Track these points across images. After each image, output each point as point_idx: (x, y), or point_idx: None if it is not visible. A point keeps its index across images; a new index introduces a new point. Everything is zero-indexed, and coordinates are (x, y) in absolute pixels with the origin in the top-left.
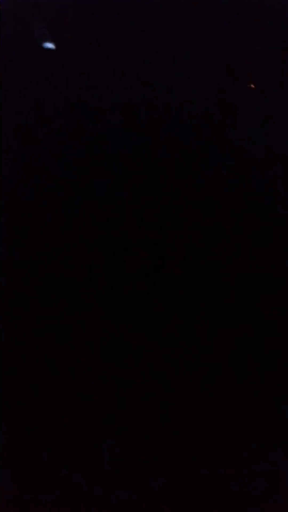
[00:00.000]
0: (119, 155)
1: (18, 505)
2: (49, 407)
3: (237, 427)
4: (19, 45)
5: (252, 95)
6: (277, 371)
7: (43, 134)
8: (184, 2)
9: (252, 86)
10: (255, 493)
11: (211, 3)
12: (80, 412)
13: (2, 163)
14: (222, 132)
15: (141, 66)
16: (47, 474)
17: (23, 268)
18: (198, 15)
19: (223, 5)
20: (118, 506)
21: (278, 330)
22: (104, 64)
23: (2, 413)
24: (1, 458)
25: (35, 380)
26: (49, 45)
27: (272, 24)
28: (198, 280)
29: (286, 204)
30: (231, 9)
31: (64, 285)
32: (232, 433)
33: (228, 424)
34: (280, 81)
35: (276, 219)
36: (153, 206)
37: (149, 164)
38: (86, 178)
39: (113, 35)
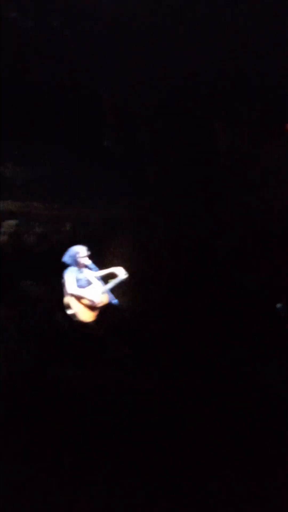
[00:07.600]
0: None
1: (18, 504)
2: (49, 410)
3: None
4: None
5: None
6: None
7: None
8: None
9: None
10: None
11: None
12: (81, 416)
13: None
14: None
15: None
16: (46, 475)
17: None
18: None
19: None
20: (118, 506)
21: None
22: None
23: (2, 414)
24: (1, 458)
25: (36, 382)
26: None
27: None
28: None
29: None
30: None
31: None
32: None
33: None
34: None
35: None
36: None
37: None
38: None
39: None
